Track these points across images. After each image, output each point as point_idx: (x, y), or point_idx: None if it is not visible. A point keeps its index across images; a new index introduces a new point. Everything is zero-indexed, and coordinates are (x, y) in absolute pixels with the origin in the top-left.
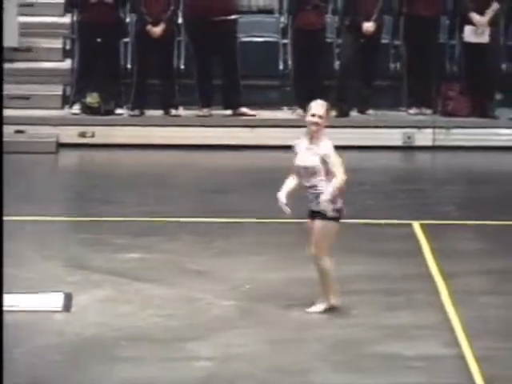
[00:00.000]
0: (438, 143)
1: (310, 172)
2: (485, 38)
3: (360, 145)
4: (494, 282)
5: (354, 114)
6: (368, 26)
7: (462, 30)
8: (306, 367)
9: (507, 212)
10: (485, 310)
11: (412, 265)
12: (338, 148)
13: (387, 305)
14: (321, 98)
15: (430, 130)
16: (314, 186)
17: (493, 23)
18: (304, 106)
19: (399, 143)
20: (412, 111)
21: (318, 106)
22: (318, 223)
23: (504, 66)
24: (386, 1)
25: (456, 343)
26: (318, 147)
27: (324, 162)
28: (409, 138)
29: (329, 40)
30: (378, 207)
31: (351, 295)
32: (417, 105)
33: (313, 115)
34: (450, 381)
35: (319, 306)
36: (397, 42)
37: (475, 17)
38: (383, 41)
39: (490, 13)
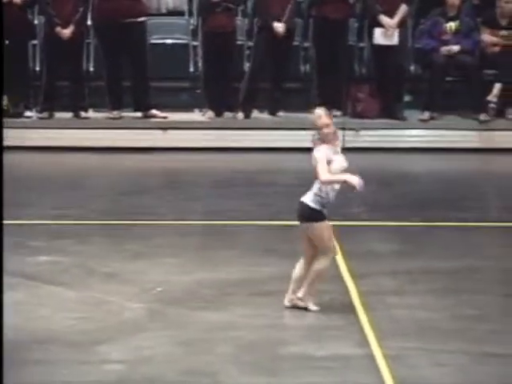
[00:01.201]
0: (347, 145)
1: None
2: (394, 40)
3: (271, 146)
4: (403, 282)
5: (264, 116)
6: (278, 27)
7: (370, 32)
8: (217, 369)
9: (417, 213)
10: (394, 310)
11: None
12: (248, 150)
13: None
14: (231, 99)
15: (339, 132)
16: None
17: (401, 25)
18: (214, 107)
19: (310, 145)
20: None
21: (327, 115)
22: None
23: (412, 68)
24: (296, 3)
25: (366, 343)
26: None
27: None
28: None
29: (239, 42)
30: (291, 209)
31: (264, 296)
32: (326, 106)
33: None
34: (360, 380)
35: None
36: (306, 44)
37: (384, 19)
38: (294, 43)
39: (398, 15)
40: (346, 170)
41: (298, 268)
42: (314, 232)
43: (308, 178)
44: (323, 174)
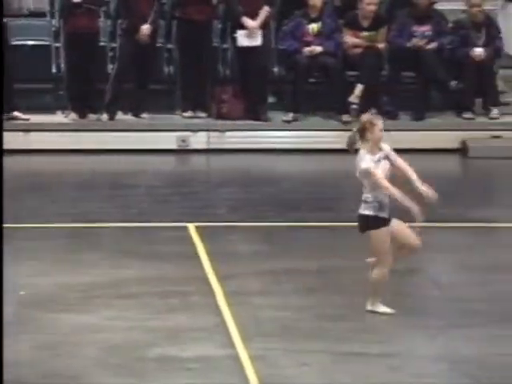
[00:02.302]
0: (212, 146)
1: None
2: (257, 42)
3: (135, 148)
4: (267, 283)
5: (128, 117)
6: (144, 29)
7: (234, 34)
8: (81, 372)
9: (281, 214)
10: (258, 311)
11: (188, 267)
12: (111, 152)
13: (163, 307)
14: (94, 101)
15: (204, 133)
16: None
17: (264, 27)
18: (77, 109)
19: (174, 146)
20: (186, 114)
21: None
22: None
23: (276, 69)
24: (159, 4)
25: (231, 344)
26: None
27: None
28: (183, 141)
29: (102, 44)
30: (154, 210)
31: (128, 298)
32: (191, 108)
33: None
34: (225, 381)
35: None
36: (170, 46)
37: (247, 21)
38: (157, 44)
39: (260, 16)
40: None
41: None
42: (371, 241)
43: (171, 179)
44: (383, 181)
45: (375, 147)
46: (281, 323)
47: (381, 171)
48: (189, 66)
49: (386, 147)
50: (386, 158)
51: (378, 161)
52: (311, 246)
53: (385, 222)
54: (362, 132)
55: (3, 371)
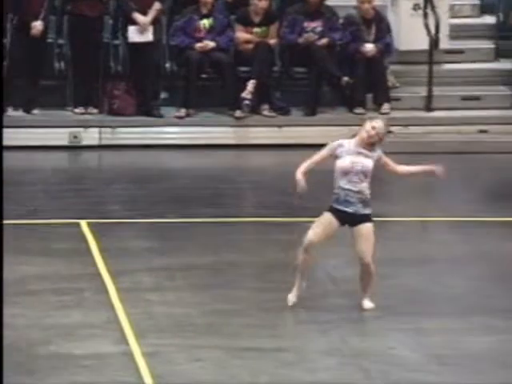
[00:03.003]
0: (104, 142)
1: (363, 175)
2: (148, 37)
3: (27, 145)
4: (161, 279)
5: (19, 113)
6: (36, 25)
7: (125, 30)
8: None
9: (174, 210)
10: (152, 307)
11: (80, 264)
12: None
13: (57, 304)
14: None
15: (96, 130)
16: (361, 191)
17: (155, 22)
18: None
19: (66, 143)
20: (78, 111)
21: (380, 123)
22: (369, 227)
23: (168, 65)
24: (50, 0)
25: (124, 340)
26: (371, 153)
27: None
28: (75, 137)
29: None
30: (47, 207)
31: (22, 296)
32: (83, 104)
33: (373, 127)
34: (118, 378)
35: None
36: (61, 41)
37: (138, 17)
38: (48, 40)
39: (151, 12)
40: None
41: None
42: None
43: (63, 176)
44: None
45: (362, 144)
46: (175, 319)
47: (350, 161)
48: (80, 61)
49: (380, 152)
50: (377, 159)
51: (359, 153)
52: (205, 241)
53: (333, 210)
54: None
55: (3, 371)
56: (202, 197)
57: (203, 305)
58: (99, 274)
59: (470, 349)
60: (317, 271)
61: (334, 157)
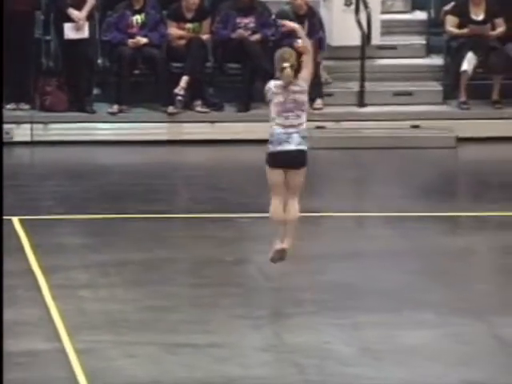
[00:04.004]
0: (36, 138)
1: (299, 107)
2: (84, 34)
3: None
4: (95, 275)
5: None
6: None
7: (57, 26)
8: None
9: (108, 206)
10: (85, 304)
11: (12, 260)
12: None
13: None
14: None
15: (28, 126)
16: (302, 124)
17: (89, 18)
18: None
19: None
20: (9, 106)
21: (286, 55)
22: (302, 170)
23: (100, 61)
24: None
25: (57, 337)
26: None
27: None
28: (7, 133)
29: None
30: None
31: None
32: (14, 100)
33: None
34: (51, 375)
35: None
36: None
37: (73, 12)
38: None
39: (86, 7)
40: None
41: None
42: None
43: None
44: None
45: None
46: (108, 316)
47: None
48: (11, 57)
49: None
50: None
51: (285, 87)
52: (138, 238)
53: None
54: None
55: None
56: (135, 193)
57: (137, 301)
58: (32, 271)
59: (403, 343)
60: (249, 267)
61: None
